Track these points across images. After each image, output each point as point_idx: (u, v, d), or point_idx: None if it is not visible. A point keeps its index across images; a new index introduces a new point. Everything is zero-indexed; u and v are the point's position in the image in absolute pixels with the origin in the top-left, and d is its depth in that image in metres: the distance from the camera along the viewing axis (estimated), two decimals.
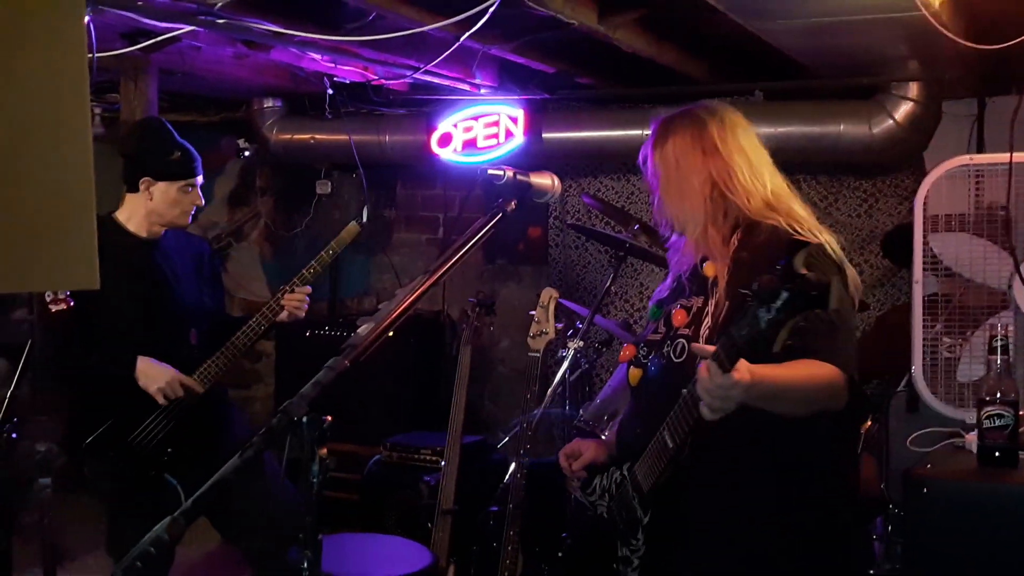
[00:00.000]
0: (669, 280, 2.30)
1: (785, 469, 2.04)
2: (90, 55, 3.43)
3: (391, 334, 5.44)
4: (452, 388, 3.81)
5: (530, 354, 3.56)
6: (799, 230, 2.02)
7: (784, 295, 1.58)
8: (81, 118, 1.62)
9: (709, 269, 2.14)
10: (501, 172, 2.03)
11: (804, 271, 1.59)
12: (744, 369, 1.73)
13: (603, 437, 3.53)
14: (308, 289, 3.30)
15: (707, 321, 2.08)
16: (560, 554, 3.58)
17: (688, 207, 2.15)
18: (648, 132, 5.12)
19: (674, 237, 2.24)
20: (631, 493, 2.16)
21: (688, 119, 2.19)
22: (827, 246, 2.02)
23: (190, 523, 1.43)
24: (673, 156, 2.17)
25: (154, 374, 3.10)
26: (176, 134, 3.26)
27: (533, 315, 3.61)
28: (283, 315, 3.27)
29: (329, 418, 1.55)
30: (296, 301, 3.27)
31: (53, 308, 2.91)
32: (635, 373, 2.24)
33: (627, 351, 2.29)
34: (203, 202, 3.28)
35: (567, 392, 4.21)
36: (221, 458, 1.58)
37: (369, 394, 5.16)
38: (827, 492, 2.10)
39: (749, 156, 2.14)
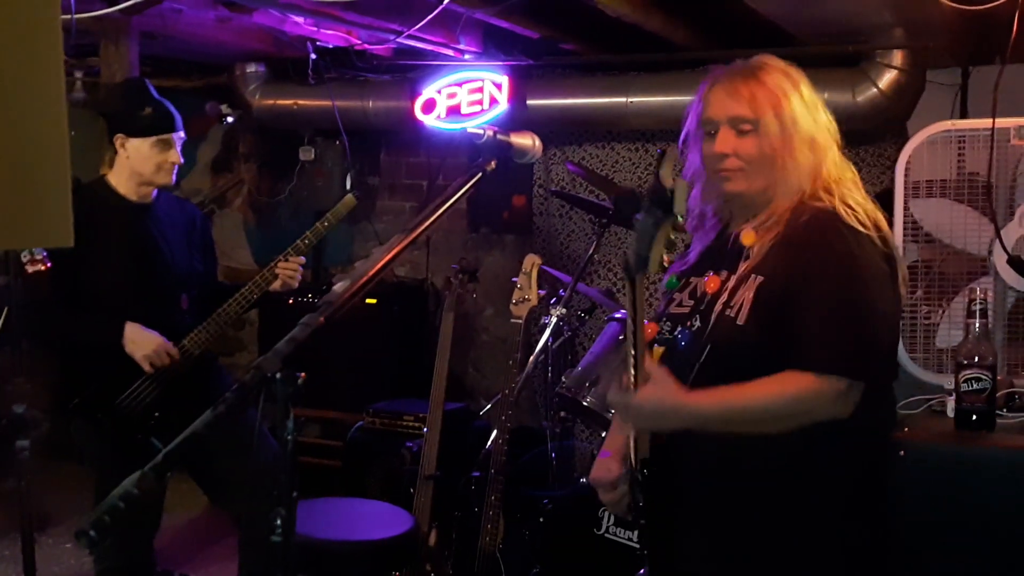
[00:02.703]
0: (693, 255, 2.16)
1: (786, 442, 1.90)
2: (69, 16, 3.38)
3: (374, 301, 5.41)
4: (436, 355, 3.81)
5: (512, 320, 3.57)
6: (842, 214, 1.90)
7: (653, 211, 1.62)
8: (54, 75, 1.60)
9: (747, 238, 2.01)
10: (481, 131, 2.01)
11: (668, 181, 1.60)
12: (651, 392, 1.76)
13: (586, 401, 3.55)
14: (302, 260, 3.31)
15: (729, 286, 1.98)
16: (541, 519, 3.59)
17: (762, 160, 1.96)
18: (632, 100, 5.06)
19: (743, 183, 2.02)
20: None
21: (783, 74, 2.00)
22: (871, 237, 1.91)
23: (160, 477, 1.42)
24: (760, 105, 1.96)
25: (141, 341, 3.09)
26: (154, 91, 3.23)
27: (516, 282, 3.61)
28: (276, 284, 3.28)
29: (303, 375, 1.53)
30: (290, 270, 3.28)
31: (30, 269, 2.89)
32: (659, 351, 2.06)
33: (649, 330, 2.10)
34: (181, 159, 3.23)
35: (550, 359, 4.21)
36: None
37: (353, 362, 5.16)
38: (832, 471, 1.94)
39: (829, 132, 2.02)
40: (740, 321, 1.92)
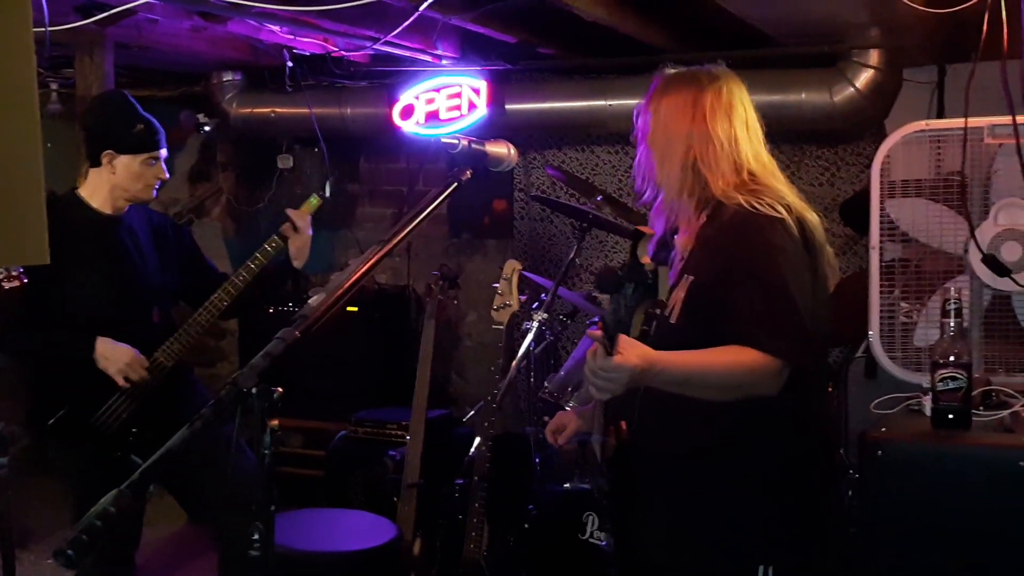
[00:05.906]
0: (653, 243, 2.26)
1: (735, 415, 1.99)
2: (43, 29, 3.36)
3: (355, 309, 5.38)
4: (418, 363, 3.80)
5: (494, 326, 3.57)
6: (757, 207, 2.00)
7: (631, 286, 1.67)
8: (28, 92, 1.59)
9: (679, 242, 2.15)
10: (456, 141, 2.02)
11: (646, 260, 1.65)
12: (630, 353, 1.78)
13: (568, 408, 3.55)
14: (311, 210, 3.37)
15: (676, 294, 2.09)
16: (526, 526, 3.59)
17: (667, 170, 2.14)
18: (612, 102, 5.09)
19: (649, 193, 2.21)
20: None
21: (688, 81, 2.17)
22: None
23: (138, 495, 1.41)
24: (664, 115, 2.16)
25: (114, 355, 3.06)
26: (139, 106, 3.21)
27: (497, 287, 3.61)
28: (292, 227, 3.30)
29: (280, 389, 1.53)
30: (299, 219, 3.32)
31: (6, 285, 2.86)
32: None
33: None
34: (167, 175, 3.24)
35: (532, 364, 4.21)
36: None
37: (335, 371, 5.14)
38: (780, 439, 2.05)
39: (735, 132, 2.11)
40: (672, 320, 2.06)
